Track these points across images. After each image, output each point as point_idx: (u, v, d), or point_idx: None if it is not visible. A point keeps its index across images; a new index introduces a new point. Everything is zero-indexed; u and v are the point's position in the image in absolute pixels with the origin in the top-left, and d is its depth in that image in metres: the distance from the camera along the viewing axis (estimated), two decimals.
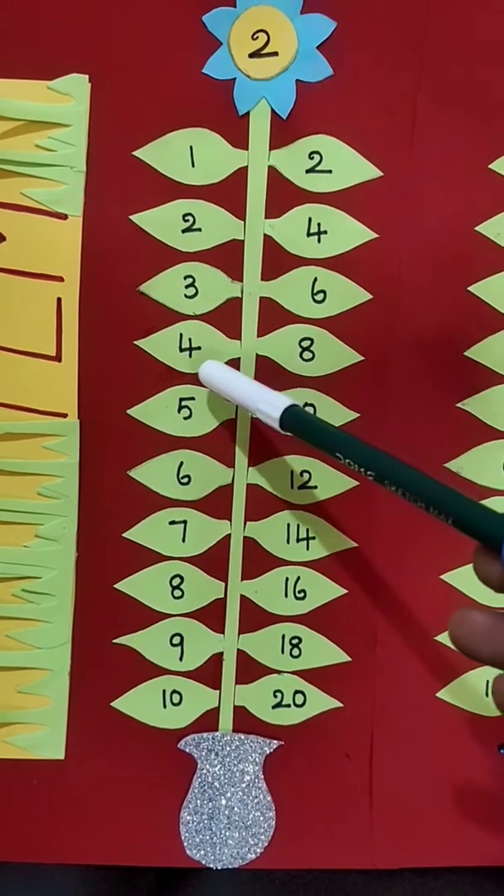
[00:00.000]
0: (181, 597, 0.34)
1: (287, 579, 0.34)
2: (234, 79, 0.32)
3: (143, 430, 0.34)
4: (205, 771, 0.35)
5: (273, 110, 0.32)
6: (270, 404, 0.30)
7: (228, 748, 0.35)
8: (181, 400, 0.34)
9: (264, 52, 0.32)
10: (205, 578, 0.34)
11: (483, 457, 0.34)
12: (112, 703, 0.35)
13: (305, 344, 0.33)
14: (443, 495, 0.25)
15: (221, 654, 0.35)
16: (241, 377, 0.33)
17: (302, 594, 0.34)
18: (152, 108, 0.32)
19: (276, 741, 0.35)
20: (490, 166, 0.33)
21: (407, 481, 0.25)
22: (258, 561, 0.34)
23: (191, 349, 0.33)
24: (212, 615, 0.34)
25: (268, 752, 0.35)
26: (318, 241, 0.33)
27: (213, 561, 0.34)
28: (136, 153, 0.32)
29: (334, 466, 0.34)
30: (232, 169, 0.32)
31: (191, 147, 0.32)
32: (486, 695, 0.35)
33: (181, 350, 0.33)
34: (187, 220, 0.33)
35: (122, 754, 0.35)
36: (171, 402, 0.34)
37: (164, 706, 0.35)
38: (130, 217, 0.33)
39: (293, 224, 0.33)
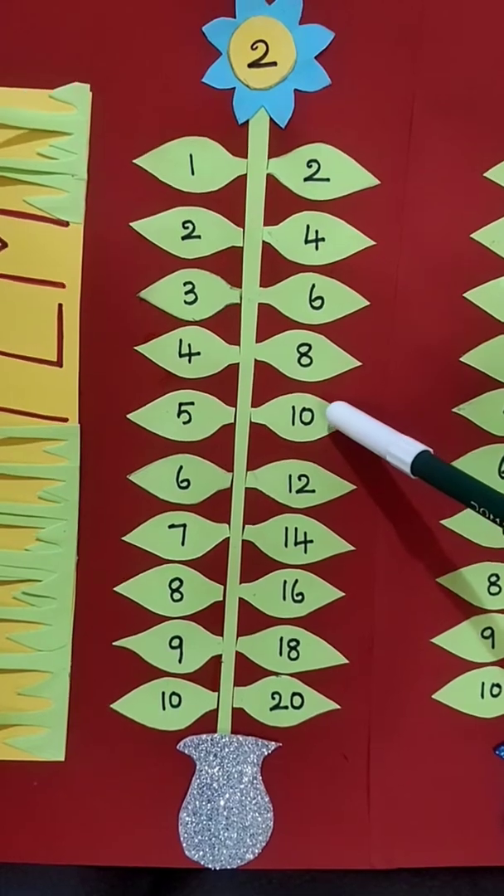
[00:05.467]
0: (180, 600, 0.35)
1: (285, 582, 0.35)
2: (234, 88, 0.32)
3: (143, 435, 0.34)
4: (203, 772, 0.35)
5: (272, 119, 0.32)
6: (402, 449, 0.30)
7: (227, 750, 0.35)
8: (180, 405, 0.34)
9: (263, 61, 0.32)
10: (204, 581, 0.35)
11: (479, 461, 0.34)
12: (112, 705, 0.35)
13: (303, 349, 0.34)
14: None
15: (220, 656, 0.35)
16: (371, 420, 0.33)
17: (300, 597, 0.35)
18: (153, 116, 0.32)
19: (274, 743, 0.35)
20: (485, 174, 0.33)
21: None
22: (257, 564, 0.35)
23: (190, 354, 0.34)
24: (211, 618, 0.35)
25: (266, 753, 0.35)
26: (316, 248, 0.33)
27: (212, 564, 0.35)
28: (136, 161, 0.33)
29: (331, 470, 0.34)
30: (231, 177, 0.33)
31: (190, 155, 0.33)
32: (482, 696, 0.35)
33: (181, 355, 0.34)
34: (187, 228, 0.33)
35: (122, 756, 0.35)
36: (170, 407, 0.34)
37: (164, 708, 0.35)
38: (131, 224, 0.33)
39: (291, 231, 0.33)
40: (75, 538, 0.34)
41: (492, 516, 0.27)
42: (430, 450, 0.30)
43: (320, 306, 0.33)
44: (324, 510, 0.34)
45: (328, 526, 0.34)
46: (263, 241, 0.33)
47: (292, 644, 0.35)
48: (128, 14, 0.32)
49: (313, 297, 0.33)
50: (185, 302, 0.33)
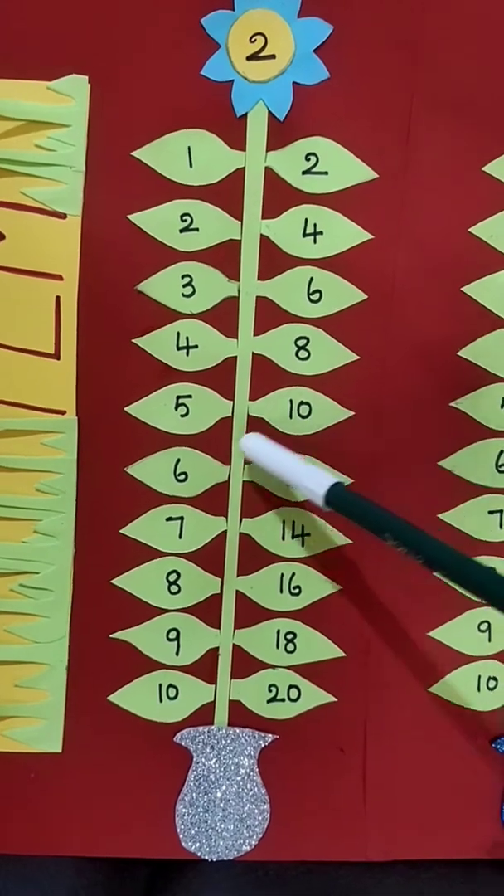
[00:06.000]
0: (178, 592, 0.35)
1: (282, 575, 0.35)
2: (232, 81, 0.32)
3: (141, 428, 0.34)
4: (200, 764, 0.35)
5: (270, 112, 0.32)
6: (315, 481, 0.31)
7: (224, 742, 0.35)
8: (178, 398, 0.34)
9: (262, 54, 0.32)
10: (201, 574, 0.35)
11: (476, 455, 0.34)
12: (109, 697, 0.35)
13: (301, 343, 0.34)
14: (497, 584, 0.25)
15: (217, 648, 0.35)
16: (284, 451, 0.33)
17: (297, 590, 0.35)
18: (151, 109, 0.32)
19: (270, 735, 0.35)
20: (484, 169, 0.33)
21: (457, 568, 0.26)
22: (254, 557, 0.35)
23: (188, 347, 0.34)
24: (208, 610, 0.35)
25: (262, 745, 0.35)
26: (314, 241, 0.33)
27: (209, 557, 0.35)
28: (134, 153, 0.33)
29: (328, 464, 0.34)
30: (229, 170, 0.33)
31: (189, 148, 0.33)
32: (479, 690, 0.35)
33: (178, 348, 0.34)
34: (185, 220, 0.33)
35: (119, 748, 0.35)
36: (168, 400, 0.34)
37: (161, 700, 0.35)
38: (129, 216, 0.33)
39: (289, 224, 0.33)
40: (73, 530, 0.34)
41: (404, 550, 0.27)
42: (343, 481, 0.31)
43: (318, 300, 0.34)
44: None
45: (325, 519, 0.34)
46: (261, 235, 0.33)
47: (289, 637, 0.35)
48: (126, 6, 0.32)
49: (311, 290, 0.33)
50: (183, 295, 0.33)
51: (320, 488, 0.30)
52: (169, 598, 0.35)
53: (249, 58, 0.32)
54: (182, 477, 0.34)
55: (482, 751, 0.35)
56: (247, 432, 0.34)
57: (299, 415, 0.34)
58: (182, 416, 0.34)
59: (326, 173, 0.33)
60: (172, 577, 0.35)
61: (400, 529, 0.28)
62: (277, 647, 0.35)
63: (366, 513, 0.30)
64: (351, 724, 0.35)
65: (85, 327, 0.33)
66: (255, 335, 0.34)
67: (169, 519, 0.34)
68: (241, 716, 0.35)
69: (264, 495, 0.34)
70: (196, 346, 0.34)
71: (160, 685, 0.35)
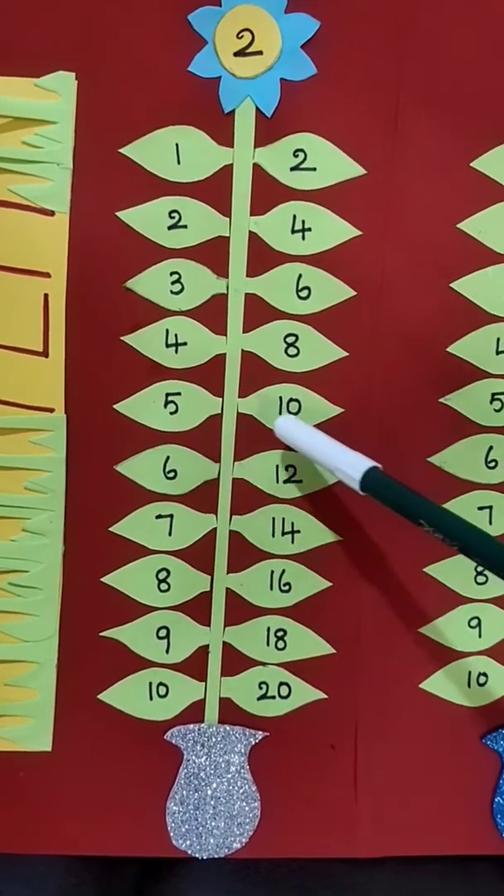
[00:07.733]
0: (167, 590, 0.35)
1: (272, 572, 0.35)
2: (220, 77, 0.32)
3: (130, 425, 0.34)
4: (191, 762, 0.35)
5: (258, 108, 0.32)
6: (351, 465, 0.30)
7: (214, 739, 0.35)
8: (167, 395, 0.34)
9: (249, 50, 0.32)
10: (191, 572, 0.35)
11: (465, 451, 0.34)
12: (99, 696, 0.35)
13: (290, 340, 0.34)
14: None
15: (207, 646, 0.35)
16: (319, 434, 0.32)
17: (287, 587, 0.35)
18: (138, 105, 0.32)
19: (261, 732, 0.35)
20: (472, 164, 0.33)
21: (497, 557, 0.25)
22: (244, 554, 0.35)
23: (177, 345, 0.34)
24: (198, 608, 0.35)
25: (253, 743, 0.35)
26: (303, 238, 0.33)
27: (199, 554, 0.35)
28: (122, 150, 0.33)
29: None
30: (217, 166, 0.33)
31: (176, 144, 0.33)
32: (469, 685, 0.35)
33: (167, 346, 0.34)
34: (173, 217, 0.33)
35: (109, 746, 0.35)
36: (157, 398, 0.34)
37: (151, 698, 0.35)
38: (117, 214, 0.33)
39: (278, 221, 0.33)
40: (62, 529, 0.34)
41: (441, 536, 0.27)
42: (380, 466, 0.30)
43: (307, 296, 0.33)
44: (311, 500, 0.34)
45: (315, 516, 0.34)
46: (250, 231, 0.33)
47: (279, 634, 0.35)
48: (113, 2, 0.32)
49: (300, 287, 0.33)
50: (172, 292, 0.33)
51: (356, 472, 0.29)
52: (159, 596, 0.35)
53: (236, 54, 0.32)
54: (171, 474, 0.34)
55: (473, 747, 0.35)
56: (236, 430, 0.34)
57: (289, 412, 0.34)
58: (171, 413, 0.34)
59: (314, 169, 0.33)
60: (162, 575, 0.35)
61: (435, 516, 0.27)
62: (268, 644, 0.35)
63: (401, 499, 0.28)
64: (342, 720, 0.35)
65: (73, 325, 0.33)
66: (243, 332, 0.34)
67: (158, 517, 0.34)
68: (231, 713, 0.35)
69: (254, 492, 0.34)
70: (185, 344, 0.34)
71: (150, 683, 0.35)
